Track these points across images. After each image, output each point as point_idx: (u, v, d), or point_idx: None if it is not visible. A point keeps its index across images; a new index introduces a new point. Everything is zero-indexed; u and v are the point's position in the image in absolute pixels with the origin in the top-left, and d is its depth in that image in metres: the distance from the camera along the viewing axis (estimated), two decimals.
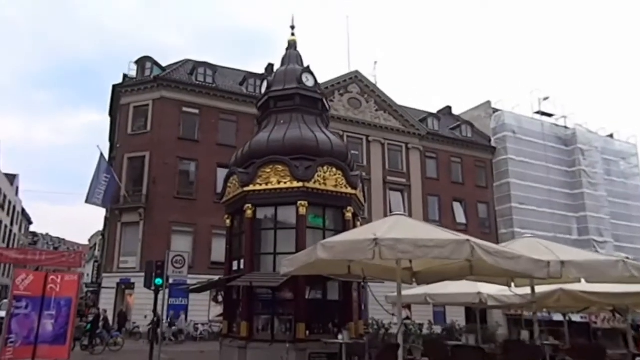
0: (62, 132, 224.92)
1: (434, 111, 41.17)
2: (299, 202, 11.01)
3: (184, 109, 28.25)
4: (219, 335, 24.99)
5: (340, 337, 7.89)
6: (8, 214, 56.75)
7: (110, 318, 22.83)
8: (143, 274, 25.62)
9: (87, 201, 24.99)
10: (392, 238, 6.47)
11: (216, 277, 24.21)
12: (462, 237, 6.65)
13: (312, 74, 13.00)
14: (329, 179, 11.22)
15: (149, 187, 26.41)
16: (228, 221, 13.10)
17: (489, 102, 41.08)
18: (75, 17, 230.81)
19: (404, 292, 14.43)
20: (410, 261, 8.56)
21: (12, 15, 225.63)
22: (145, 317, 24.60)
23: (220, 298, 26.80)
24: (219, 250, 26.47)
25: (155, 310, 14.45)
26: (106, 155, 28.35)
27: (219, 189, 28.22)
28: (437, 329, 23.50)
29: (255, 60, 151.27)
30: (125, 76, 29.14)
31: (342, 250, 6.84)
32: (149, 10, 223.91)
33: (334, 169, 11.36)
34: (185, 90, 28.43)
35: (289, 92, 12.68)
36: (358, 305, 11.66)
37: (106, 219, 34.39)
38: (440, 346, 10.02)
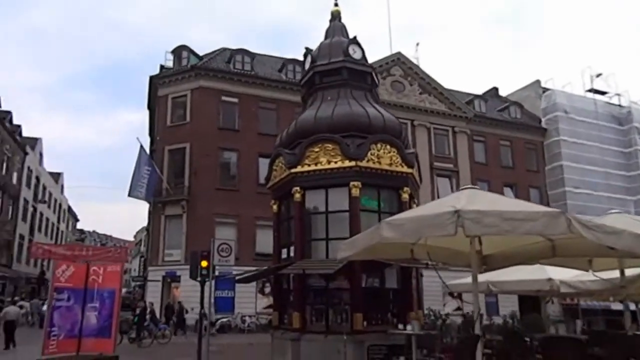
0: (104, 131, 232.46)
1: (480, 93, 39.25)
2: (352, 183, 10.08)
3: (223, 97, 27.79)
4: (268, 327, 24.81)
5: (408, 327, 6.92)
6: (54, 211, 58.66)
7: (157, 311, 22.69)
8: (188, 267, 25.71)
9: (129, 194, 24.95)
10: (476, 210, 5.43)
11: (261, 269, 23.87)
12: (553, 209, 5.57)
13: (359, 45, 11.99)
14: (383, 157, 10.21)
15: (191, 179, 26.15)
16: (275, 207, 12.33)
17: (538, 82, 38.82)
18: (106, 17, 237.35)
19: (459, 280, 13.43)
20: (480, 243, 7.49)
21: (45, 22, 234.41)
22: (192, 309, 24.47)
23: (267, 290, 26.38)
24: (263, 241, 26.00)
25: (202, 303, 13.90)
26: (147, 149, 28.29)
27: (261, 180, 27.83)
28: (497, 320, 22.15)
29: (291, 50, 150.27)
30: (162, 67, 28.95)
31: (413, 228, 5.85)
32: (181, 6, 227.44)
33: (388, 146, 10.34)
34: (224, 79, 27.96)
35: (335, 65, 11.72)
36: (417, 293, 10.63)
37: (150, 213, 34.61)
38: (520, 338, 8.84)
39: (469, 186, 7.14)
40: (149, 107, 33.38)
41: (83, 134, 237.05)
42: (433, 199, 28.29)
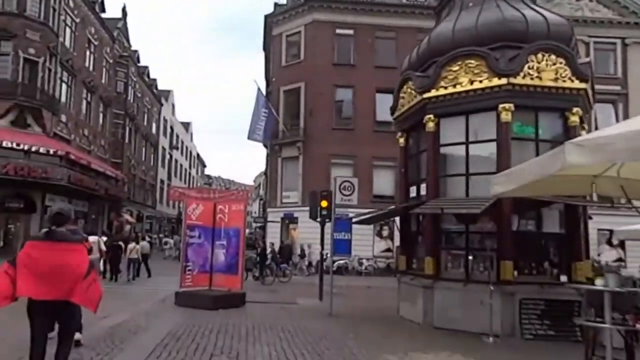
0: (226, 79, 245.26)
1: None
2: (501, 106, 8.27)
3: (337, 30, 26.26)
4: (386, 270, 24.40)
5: (598, 282, 5.30)
6: (186, 158, 63.69)
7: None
8: (305, 208, 25.77)
9: (249, 137, 25.29)
10: None
11: (381, 210, 22.93)
12: None
13: None
14: (546, 71, 8.14)
15: (306, 119, 25.65)
16: (402, 140, 10.96)
17: None
18: None
19: (627, 227, 11.02)
20: None
21: None
22: (309, 248, 24.73)
23: (384, 233, 25.63)
24: (380, 182, 24.98)
25: (322, 244, 13.42)
26: (263, 92, 28.27)
27: (379, 117, 26.52)
28: None
29: None
30: (276, 4, 28.26)
31: (625, 148, 4.10)
32: None
33: (553, 56, 8.18)
34: (338, 9, 26.30)
35: None
36: (585, 240, 8.71)
37: (268, 157, 35.41)
38: None
39: None
40: (264, 49, 33.22)
41: (207, 83, 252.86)
42: (590, 130, 24.15)
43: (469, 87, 8.59)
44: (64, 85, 26.90)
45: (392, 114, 11.19)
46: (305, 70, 26.03)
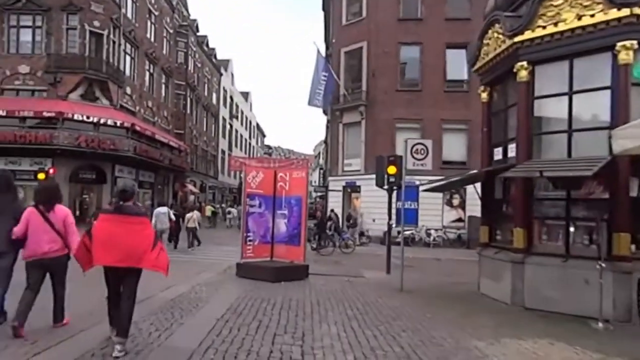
0: (286, 45, 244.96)
1: None
2: (620, 44, 6.70)
3: None
4: (456, 242, 23.02)
5: None
6: (246, 128, 64.19)
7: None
8: (368, 176, 24.73)
9: (309, 103, 24.44)
10: None
11: (452, 177, 21.43)
12: None
13: None
14: None
15: (369, 81, 24.21)
16: (485, 95, 9.56)
17: None
18: None
19: None
20: None
21: None
22: (374, 220, 23.80)
23: (455, 201, 24.11)
24: (450, 147, 23.24)
25: (390, 213, 12.42)
26: (323, 55, 27.05)
27: (450, 75, 24.59)
28: None
29: None
30: None
31: None
32: None
33: None
34: None
35: None
36: None
37: (328, 124, 34.43)
38: None
39: None
40: (323, 9, 31.77)
41: (265, 50, 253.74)
42: None
43: (576, 24, 7.03)
44: (127, 57, 27.23)
45: (473, 65, 9.74)
46: (367, 28, 24.34)
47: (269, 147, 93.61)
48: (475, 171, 10.27)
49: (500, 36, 8.30)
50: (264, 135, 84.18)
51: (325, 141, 43.62)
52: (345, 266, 13.50)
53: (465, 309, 7.78)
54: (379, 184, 12.00)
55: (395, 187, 11.91)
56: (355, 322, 6.28)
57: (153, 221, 10.04)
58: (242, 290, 8.24)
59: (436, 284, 10.85)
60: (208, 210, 32.15)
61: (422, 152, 9.22)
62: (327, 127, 29.55)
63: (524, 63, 7.80)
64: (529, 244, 7.97)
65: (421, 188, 11.83)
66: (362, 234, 23.05)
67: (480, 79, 9.70)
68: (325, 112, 34.74)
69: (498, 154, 9.06)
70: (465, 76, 22.71)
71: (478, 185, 9.94)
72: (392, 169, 11.53)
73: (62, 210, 5.09)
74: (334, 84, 24.13)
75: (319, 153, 73.68)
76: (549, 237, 8.09)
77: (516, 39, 7.80)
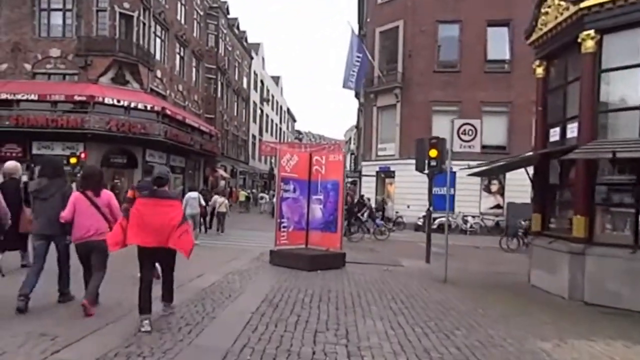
0: (316, 28, 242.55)
1: None
2: None
3: None
4: (495, 229, 22.00)
5: None
6: (277, 113, 63.82)
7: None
8: (403, 161, 23.92)
9: (343, 86, 23.76)
10: None
11: (495, 162, 20.43)
12: None
13: None
14: None
15: (405, 63, 23.26)
16: (540, 70, 8.70)
17: None
18: None
19: None
20: None
21: None
22: (408, 206, 23.08)
23: (493, 187, 23.12)
24: (489, 130, 21.94)
25: (430, 199, 11.73)
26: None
27: (490, 55, 23.34)
28: None
29: None
30: None
31: None
32: None
33: None
34: None
35: None
36: None
37: (359, 108, 33.64)
38: None
39: None
40: None
41: (295, 34, 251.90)
42: None
43: None
44: (157, 40, 27.04)
45: (528, 37, 8.87)
46: (403, 6, 23.30)
47: (299, 132, 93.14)
48: (529, 153, 9.46)
49: (563, 3, 7.46)
50: (294, 120, 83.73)
51: (356, 126, 42.84)
52: (381, 254, 12.94)
53: (518, 303, 7.13)
54: (419, 169, 11.32)
55: (436, 172, 11.22)
56: (402, 318, 5.73)
57: (183, 205, 9.65)
58: (276, 279, 7.80)
59: (480, 274, 10.20)
60: (242, 195, 32.52)
61: (470, 133, 8.50)
62: (360, 110, 28.78)
63: (591, 32, 6.97)
64: (590, 233, 7.24)
65: (467, 172, 11.05)
66: (389, 220, 22.38)
67: (535, 52, 8.82)
68: (357, 96, 33.96)
69: (555, 134, 8.27)
70: (507, 55, 21.54)
71: (530, 169, 9.18)
72: (433, 152, 10.84)
73: (106, 194, 5.29)
74: (368, 66, 23.31)
75: (350, 138, 72.82)
76: (614, 226, 7.33)
77: (582, 5, 6.97)
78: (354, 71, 22.68)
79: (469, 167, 10.60)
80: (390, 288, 7.59)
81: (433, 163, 10.97)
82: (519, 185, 19.01)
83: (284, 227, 9.74)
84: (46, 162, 5.58)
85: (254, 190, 44.69)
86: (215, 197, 16.77)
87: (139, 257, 4.72)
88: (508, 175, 20.34)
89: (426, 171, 11.23)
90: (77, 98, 21.93)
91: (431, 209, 11.64)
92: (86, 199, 5.07)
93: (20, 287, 4.93)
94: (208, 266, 8.51)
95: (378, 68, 24.02)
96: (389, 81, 23.65)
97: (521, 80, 21.65)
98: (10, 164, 6.64)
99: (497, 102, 21.62)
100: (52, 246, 5.26)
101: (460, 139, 8.55)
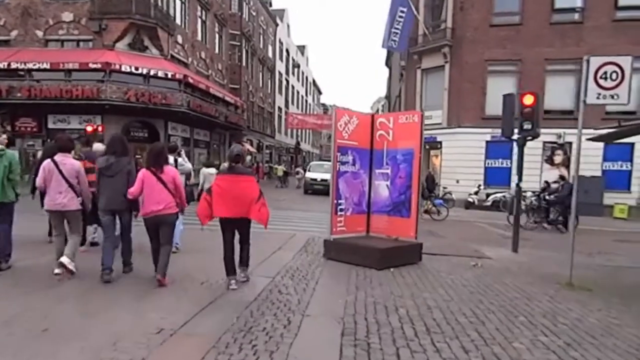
0: None
1: None
2: None
3: None
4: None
5: None
6: (302, 84, 61.09)
7: None
8: (451, 130, 21.28)
9: (383, 46, 21.14)
10: None
11: (550, 130, 17.61)
12: None
13: None
14: None
15: (455, 16, 20.37)
16: None
17: None
18: None
19: None
20: None
21: None
22: (457, 181, 20.67)
23: (557, 158, 20.39)
24: (555, 93, 19.24)
25: (520, 171, 9.31)
26: None
27: (558, 3, 20.42)
28: None
29: None
30: None
31: None
32: None
33: None
34: None
35: None
36: None
37: (390, 75, 30.87)
38: None
39: None
40: None
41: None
42: None
43: None
44: (177, 2, 24.74)
45: None
46: None
47: (324, 105, 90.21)
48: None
49: None
50: (320, 93, 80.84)
51: (386, 96, 40.06)
52: (447, 239, 10.67)
53: None
54: (507, 134, 8.92)
55: (529, 138, 8.79)
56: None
57: (201, 180, 9.10)
58: (344, 285, 5.63)
59: (606, 271, 7.75)
60: (280, 170, 32.13)
61: (614, 76, 5.97)
62: (401, 75, 25.97)
63: None
64: None
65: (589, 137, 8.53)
66: (436, 196, 19.95)
67: None
68: (387, 63, 31.11)
69: None
70: (578, 2, 18.46)
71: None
72: (528, 113, 8.46)
73: (170, 171, 5.40)
74: (412, 22, 20.49)
75: (377, 110, 69.80)
76: None
77: None
78: (397, 28, 19.94)
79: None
80: (510, 301, 5.32)
81: (526, 125, 8.58)
82: (587, 156, 16.35)
83: (341, 210, 7.53)
84: (115, 140, 5.59)
85: (279, 165, 42.70)
86: (203, 169, 14.47)
87: (222, 227, 5.27)
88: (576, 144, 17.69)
89: (516, 136, 8.84)
90: (91, 66, 19.97)
91: (519, 184, 9.24)
92: (153, 176, 5.21)
93: (101, 261, 5.25)
94: (252, 260, 6.42)
95: (423, 24, 21.22)
96: (436, 39, 20.87)
97: (597, 32, 18.67)
98: (100, 146, 7.17)
99: (566, 59, 18.72)
100: None
101: (598, 85, 6.04)
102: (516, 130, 8.75)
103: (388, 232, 7.74)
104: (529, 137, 8.74)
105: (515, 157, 20.28)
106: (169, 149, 6.40)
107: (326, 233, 7.54)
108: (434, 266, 7.11)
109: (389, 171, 7.68)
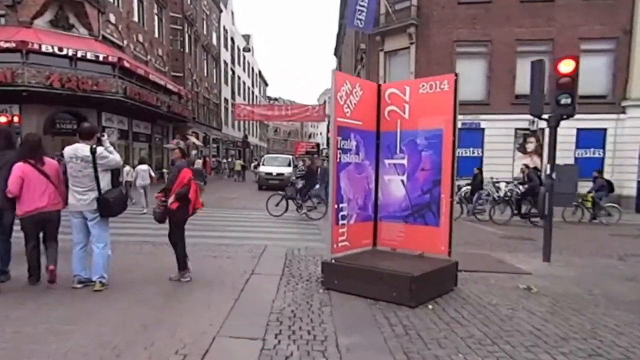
0: None
1: None
2: None
3: None
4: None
5: None
6: (249, 75, 58.08)
7: None
8: None
9: (348, 25, 19.19)
10: None
11: (521, 117, 16.43)
12: None
13: None
14: None
15: None
16: None
17: None
18: None
19: None
20: None
21: None
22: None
23: (530, 146, 19.30)
24: (526, 77, 18.20)
25: (553, 158, 7.56)
26: None
27: None
28: None
29: None
30: None
31: None
32: None
33: None
34: None
35: None
36: None
37: (362, 54, 28.91)
38: None
39: None
40: None
41: None
42: None
43: None
44: None
45: None
46: None
47: (269, 98, 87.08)
48: None
49: None
50: (266, 84, 77.84)
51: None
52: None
53: None
54: (535, 112, 7.17)
55: (565, 117, 7.08)
56: None
57: (134, 177, 9.10)
58: (384, 350, 3.53)
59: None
60: (237, 164, 32.38)
61: None
62: (361, 58, 24.06)
63: None
64: None
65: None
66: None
67: None
68: (336, 53, 29.23)
69: None
70: None
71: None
72: (566, 83, 6.80)
73: (52, 163, 4.96)
74: (375, 2, 18.60)
75: (325, 101, 68.00)
76: None
77: None
78: (362, 5, 17.98)
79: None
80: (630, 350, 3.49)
81: (565, 99, 6.90)
82: (560, 143, 15.31)
83: (343, 217, 5.41)
84: None
85: (228, 160, 39.86)
86: (138, 167, 12.78)
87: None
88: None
89: (548, 115, 7.12)
90: (3, 45, 16.59)
91: (553, 176, 7.50)
92: (34, 169, 4.72)
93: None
94: (221, 296, 4.28)
95: (386, 2, 19.42)
96: (401, 18, 19.12)
97: (572, 11, 17.67)
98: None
99: (537, 39, 17.75)
100: None
101: None
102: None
103: (405, 245, 5.74)
104: (565, 116, 7.05)
105: (485, 145, 19.42)
106: (82, 132, 4.86)
107: (301, 240, 5.47)
108: (474, 292, 5.22)
109: (404, 161, 5.66)
